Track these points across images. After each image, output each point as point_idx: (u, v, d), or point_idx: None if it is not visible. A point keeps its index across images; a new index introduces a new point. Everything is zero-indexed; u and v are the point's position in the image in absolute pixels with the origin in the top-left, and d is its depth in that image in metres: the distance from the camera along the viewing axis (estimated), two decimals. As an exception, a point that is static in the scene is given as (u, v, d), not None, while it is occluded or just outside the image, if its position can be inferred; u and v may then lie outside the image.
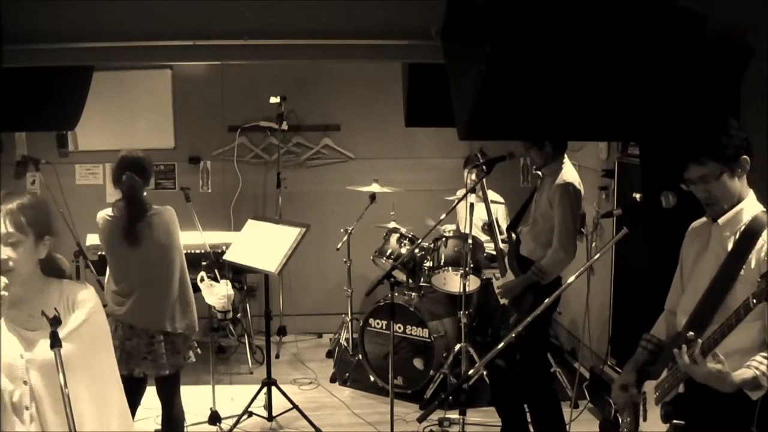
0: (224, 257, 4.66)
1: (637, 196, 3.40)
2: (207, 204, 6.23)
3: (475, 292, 5.44)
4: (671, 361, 2.47)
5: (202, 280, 4.32)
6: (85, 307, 2.18)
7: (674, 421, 2.41)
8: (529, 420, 4.22)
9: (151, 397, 3.96)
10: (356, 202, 6.02)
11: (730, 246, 2.40)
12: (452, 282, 5.34)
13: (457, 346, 5.13)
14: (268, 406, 4.84)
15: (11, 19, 3.21)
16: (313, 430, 4.66)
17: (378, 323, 5.37)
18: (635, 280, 4.59)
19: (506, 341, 2.62)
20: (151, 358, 3.73)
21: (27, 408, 2.06)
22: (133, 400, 3.85)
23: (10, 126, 4.62)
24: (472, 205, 4.84)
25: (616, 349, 5.14)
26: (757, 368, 2.19)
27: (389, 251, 5.59)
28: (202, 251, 4.61)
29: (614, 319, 5.25)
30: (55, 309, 2.05)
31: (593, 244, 4.88)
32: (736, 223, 2.41)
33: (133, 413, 3.89)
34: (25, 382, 2.06)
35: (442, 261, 5.29)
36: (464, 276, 4.89)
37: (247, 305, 6.27)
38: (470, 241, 4.89)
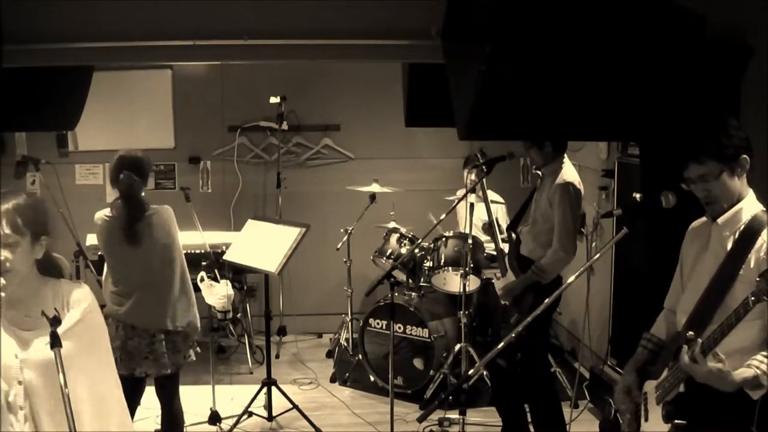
0: (224, 257, 4.66)
1: (637, 196, 3.40)
2: (207, 204, 6.23)
3: (475, 292, 5.44)
4: (671, 360, 2.47)
5: (202, 280, 4.32)
6: (80, 307, 2.17)
7: (676, 421, 2.42)
8: (529, 420, 4.22)
9: (151, 397, 3.97)
10: (356, 202, 6.02)
11: (729, 245, 2.40)
12: (452, 282, 5.34)
13: (457, 346, 5.13)
14: (268, 406, 4.84)
15: (11, 19, 3.21)
16: (313, 430, 4.66)
17: (378, 323, 5.38)
18: (635, 280, 4.59)
19: (506, 341, 2.62)
20: (153, 357, 3.73)
21: (21, 408, 2.05)
22: (133, 400, 3.85)
23: (10, 126, 4.63)
24: (472, 205, 4.84)
25: (616, 349, 5.14)
26: (757, 367, 2.19)
27: (389, 251, 5.59)
28: (202, 251, 4.61)
29: (614, 319, 5.25)
30: (55, 309, 2.05)
31: (593, 244, 4.87)
32: (736, 223, 2.41)
33: (133, 413, 3.90)
34: (20, 382, 2.06)
35: (442, 261, 5.28)
36: (464, 276, 4.90)
37: (247, 305, 6.27)
38: (470, 241, 4.89)
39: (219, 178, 6.65)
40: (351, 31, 3.55)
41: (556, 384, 5.16)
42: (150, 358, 3.73)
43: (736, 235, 2.39)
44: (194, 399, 4.73)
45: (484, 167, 4.21)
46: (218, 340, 6.10)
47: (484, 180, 4.32)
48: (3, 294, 2.04)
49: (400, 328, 5.27)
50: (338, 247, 5.94)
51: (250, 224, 4.79)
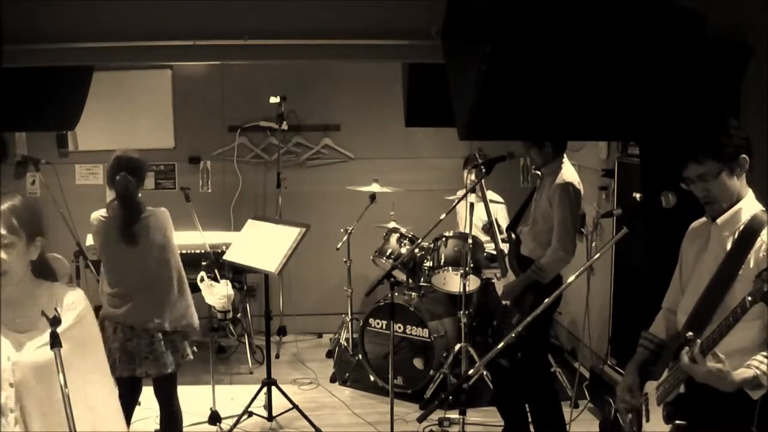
0: (224, 257, 4.66)
1: (637, 196, 3.40)
2: (207, 204, 6.23)
3: (475, 292, 5.45)
4: (672, 361, 2.47)
5: (202, 280, 4.32)
6: (75, 310, 2.16)
7: (676, 421, 2.42)
8: (529, 420, 4.22)
9: (151, 397, 3.97)
10: (356, 202, 6.02)
11: (729, 245, 2.40)
12: (452, 282, 5.34)
13: (457, 346, 5.13)
14: (268, 406, 4.84)
15: (11, 19, 3.21)
16: (313, 430, 4.66)
17: (378, 323, 5.38)
18: (635, 280, 4.59)
19: (506, 341, 2.62)
20: (153, 357, 3.73)
21: (12, 411, 2.05)
22: (131, 400, 3.87)
23: (10, 126, 4.63)
24: (472, 205, 4.85)
25: (616, 349, 5.14)
26: (757, 368, 2.19)
27: (389, 251, 5.59)
28: (202, 251, 4.61)
29: (614, 319, 5.25)
30: (56, 309, 2.05)
31: (593, 244, 4.88)
32: (735, 223, 2.41)
33: (132, 413, 3.91)
34: (11, 384, 2.05)
35: (442, 261, 5.28)
36: (464, 276, 4.90)
37: (247, 305, 6.27)
38: (470, 241, 4.89)
39: (219, 178, 6.65)
40: (351, 31, 3.55)
41: (556, 384, 5.16)
42: (150, 358, 3.73)
43: (736, 235, 2.39)
44: (194, 399, 4.73)
45: (483, 167, 4.21)
46: (218, 340, 6.09)
47: (483, 180, 4.32)
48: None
49: (400, 328, 5.27)
50: (338, 247, 5.94)
51: (250, 224, 4.79)
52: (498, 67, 2.78)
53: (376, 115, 6.54)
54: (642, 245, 3.54)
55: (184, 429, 4.11)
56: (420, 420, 2.92)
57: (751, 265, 2.31)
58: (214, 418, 4.64)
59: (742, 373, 2.20)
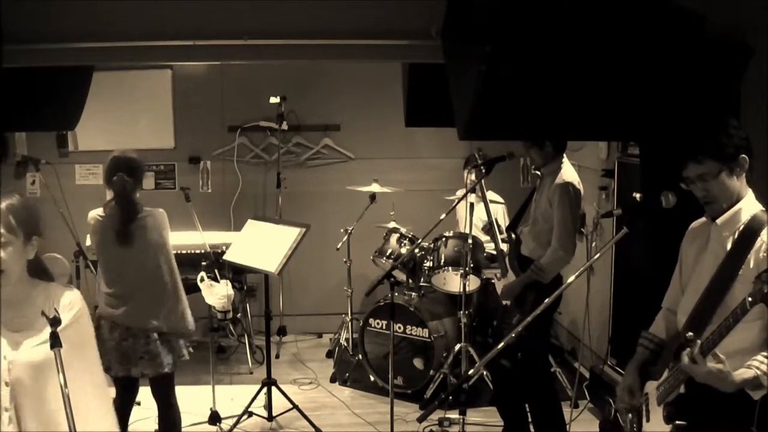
0: (224, 257, 4.66)
1: (637, 196, 3.40)
2: (207, 204, 6.23)
3: (475, 292, 5.45)
4: (672, 361, 2.47)
5: (202, 280, 4.32)
6: (72, 311, 2.16)
7: (677, 421, 2.41)
8: (529, 420, 4.22)
9: (151, 397, 3.96)
10: (356, 202, 6.02)
11: (729, 246, 2.40)
12: (452, 282, 5.34)
13: (457, 346, 5.13)
14: (268, 406, 4.84)
15: (11, 19, 3.21)
16: (313, 430, 4.66)
17: (378, 323, 5.37)
18: (635, 280, 4.59)
19: (506, 341, 2.62)
20: (149, 357, 3.73)
21: (6, 409, 2.05)
22: (128, 400, 3.88)
23: (10, 126, 4.63)
24: (472, 205, 4.85)
25: (616, 349, 5.14)
26: (757, 368, 2.19)
27: (389, 251, 5.59)
28: (202, 251, 4.61)
29: (614, 319, 5.25)
30: (55, 309, 2.05)
31: (593, 244, 4.88)
32: (735, 223, 2.41)
33: (129, 412, 3.91)
34: (6, 383, 2.05)
35: (442, 261, 5.28)
36: (464, 276, 4.90)
37: (247, 305, 6.27)
38: (470, 241, 4.89)
39: (219, 178, 6.65)
40: (351, 31, 3.55)
41: (556, 384, 5.16)
42: (146, 358, 3.73)
43: (736, 236, 2.39)
44: (194, 399, 4.73)
45: (483, 167, 4.21)
46: (218, 340, 6.09)
47: (483, 180, 4.31)
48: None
49: (400, 328, 5.27)
50: (338, 247, 5.94)
51: (250, 224, 4.79)
52: (498, 67, 2.79)
53: (376, 115, 6.55)
54: (642, 245, 3.54)
55: (183, 429, 4.12)
56: (420, 420, 2.91)
57: (751, 266, 2.31)
58: (214, 418, 4.64)
59: (742, 373, 2.20)
